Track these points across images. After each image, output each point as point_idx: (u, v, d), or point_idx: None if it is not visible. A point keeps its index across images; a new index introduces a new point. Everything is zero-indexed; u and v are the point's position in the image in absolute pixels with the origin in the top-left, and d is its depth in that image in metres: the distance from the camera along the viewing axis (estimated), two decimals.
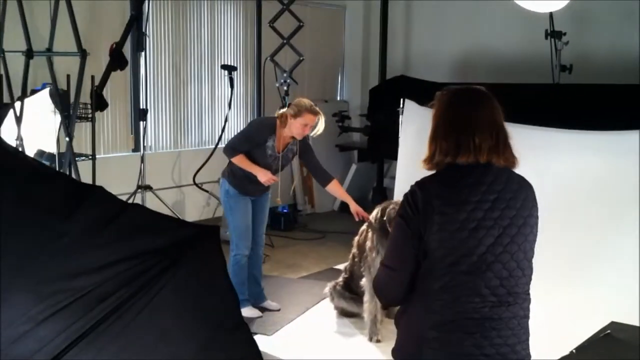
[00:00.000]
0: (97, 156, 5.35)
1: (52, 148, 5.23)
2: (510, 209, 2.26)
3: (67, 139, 4.95)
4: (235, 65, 7.66)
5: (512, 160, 2.33)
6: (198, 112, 7.73)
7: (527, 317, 2.32)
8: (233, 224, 4.91)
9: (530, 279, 2.32)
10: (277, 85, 7.34)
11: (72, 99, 4.98)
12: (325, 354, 4.43)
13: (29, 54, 4.96)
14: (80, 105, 5.16)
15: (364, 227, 4.83)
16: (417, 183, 2.31)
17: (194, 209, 7.53)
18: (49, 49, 5.01)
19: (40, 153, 5.27)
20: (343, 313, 5.02)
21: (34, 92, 5.34)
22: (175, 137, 7.53)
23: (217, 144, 7.03)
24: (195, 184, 7.16)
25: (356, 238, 4.92)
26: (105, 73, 5.24)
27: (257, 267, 5.13)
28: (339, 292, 4.99)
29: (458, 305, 2.22)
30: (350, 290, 4.96)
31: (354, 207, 4.85)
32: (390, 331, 4.35)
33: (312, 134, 4.89)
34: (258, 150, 4.78)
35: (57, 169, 4.88)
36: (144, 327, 2.04)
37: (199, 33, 7.62)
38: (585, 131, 4.80)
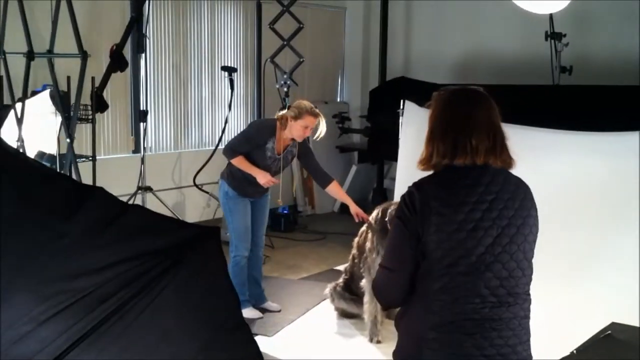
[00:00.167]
0: (97, 157, 5.36)
1: (52, 149, 5.23)
2: (509, 209, 2.26)
3: (68, 140, 4.95)
4: (235, 66, 7.67)
5: (509, 161, 2.33)
6: (198, 113, 7.74)
7: (527, 317, 2.32)
8: (232, 225, 4.91)
9: (530, 279, 2.32)
10: (277, 86, 7.35)
11: (72, 101, 4.99)
12: (325, 354, 4.44)
13: (30, 55, 4.97)
14: (81, 107, 5.16)
15: (364, 228, 4.83)
16: (415, 184, 2.31)
17: (194, 210, 7.54)
18: (50, 51, 5.02)
19: (41, 154, 5.28)
20: (343, 314, 5.03)
21: (34, 93, 5.35)
22: (175, 139, 7.53)
23: (218, 145, 7.04)
24: (195, 185, 7.17)
25: (356, 239, 4.93)
26: (105, 74, 5.24)
27: (258, 268, 5.14)
28: (339, 293, 4.99)
29: (457, 306, 2.22)
30: (350, 292, 4.96)
31: (353, 208, 4.86)
32: (390, 332, 4.35)
33: (314, 137, 4.89)
34: (258, 152, 4.79)
35: (58, 170, 4.88)
36: (145, 327, 2.04)
37: (199, 34, 7.62)
38: (586, 132, 4.81)
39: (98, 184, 4.78)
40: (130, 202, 6.23)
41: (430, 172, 2.36)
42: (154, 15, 7.00)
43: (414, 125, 5.55)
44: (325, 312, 5.15)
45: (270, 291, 5.38)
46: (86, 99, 5.26)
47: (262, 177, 4.73)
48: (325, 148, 8.00)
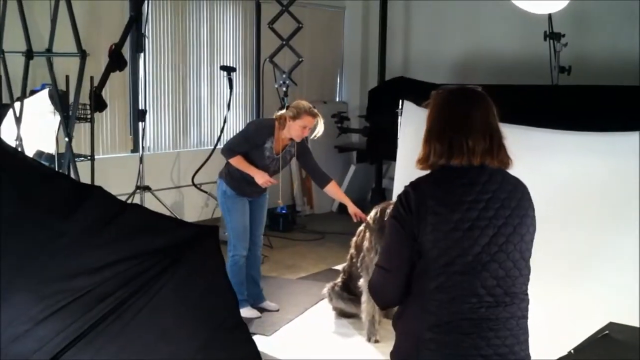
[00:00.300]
0: (96, 157, 5.35)
1: (51, 148, 5.23)
2: (505, 208, 2.25)
3: (67, 139, 4.95)
4: (234, 66, 7.67)
5: (506, 161, 2.32)
6: (197, 113, 7.73)
7: (525, 317, 2.31)
8: (230, 224, 4.91)
9: (527, 279, 2.31)
10: (276, 86, 7.35)
11: (71, 100, 4.98)
12: (323, 354, 4.44)
13: (29, 54, 4.96)
14: (80, 106, 5.15)
15: (362, 227, 4.83)
16: (411, 184, 2.30)
17: (193, 209, 7.53)
18: (49, 50, 5.01)
19: (40, 153, 5.27)
20: (341, 314, 5.03)
21: (33, 92, 5.34)
22: (174, 138, 7.53)
23: (216, 144, 7.03)
24: (194, 184, 7.16)
25: (354, 239, 4.93)
26: (104, 74, 5.23)
27: (256, 268, 5.14)
28: (337, 293, 4.99)
29: (454, 306, 2.21)
30: (348, 291, 4.96)
31: (352, 208, 4.86)
32: (388, 331, 4.33)
33: (312, 137, 4.90)
34: (256, 152, 4.78)
35: (57, 170, 4.88)
36: (143, 326, 2.04)
37: (198, 34, 7.62)
38: (585, 132, 4.81)
39: (97, 183, 4.77)
40: (129, 201, 6.23)
41: (428, 171, 2.36)
42: (153, 15, 7.00)
43: (412, 125, 5.55)
44: (323, 311, 5.15)
45: (269, 291, 5.38)
46: (85, 98, 5.25)
47: (260, 177, 4.73)
48: (324, 148, 8.00)
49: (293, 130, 4.74)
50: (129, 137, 7.03)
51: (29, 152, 5.06)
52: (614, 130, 4.65)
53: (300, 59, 7.33)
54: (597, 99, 5.87)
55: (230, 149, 4.80)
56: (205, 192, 7.36)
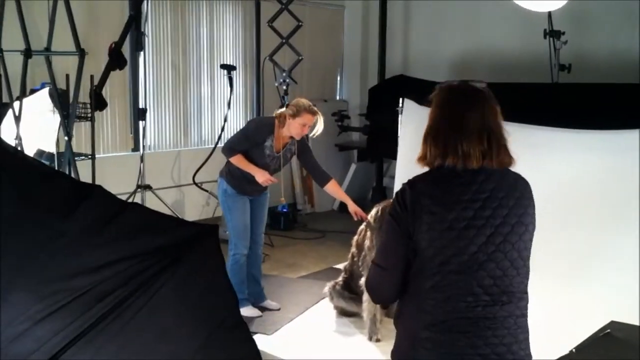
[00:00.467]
0: (96, 156, 5.35)
1: (51, 148, 5.22)
2: (503, 207, 2.23)
3: (67, 138, 4.94)
4: (234, 64, 7.66)
5: (507, 161, 2.29)
6: (197, 111, 7.73)
7: (524, 316, 2.29)
8: (231, 223, 4.91)
9: (526, 278, 2.29)
10: (276, 84, 7.34)
11: (71, 99, 4.98)
12: (324, 353, 4.43)
13: (28, 53, 4.95)
14: (80, 105, 5.15)
15: (363, 226, 4.83)
16: (409, 182, 2.29)
17: (194, 208, 7.53)
18: (48, 49, 5.00)
19: (40, 153, 5.27)
20: (342, 312, 5.02)
21: (32, 91, 5.34)
22: (174, 137, 7.53)
23: (217, 143, 7.03)
24: (194, 183, 7.16)
25: (355, 237, 4.92)
26: (104, 72, 5.23)
27: (257, 267, 5.13)
28: (338, 292, 4.99)
29: (449, 305, 2.20)
30: (349, 290, 4.95)
31: (352, 207, 4.86)
32: (389, 330, 4.34)
33: (311, 135, 4.89)
34: (256, 150, 4.78)
35: (57, 169, 4.88)
36: (143, 325, 2.04)
37: (198, 32, 7.61)
38: (584, 130, 4.80)
39: (97, 182, 4.76)
40: (130, 200, 6.23)
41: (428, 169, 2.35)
42: (152, 13, 7.00)
43: (413, 124, 5.54)
44: (324, 310, 5.15)
45: (270, 290, 5.37)
46: (85, 97, 5.25)
47: (261, 176, 4.72)
48: (325, 146, 7.99)
49: (293, 128, 4.74)
50: (130, 135, 7.03)
51: (29, 151, 5.05)
52: (614, 128, 4.64)
53: (300, 58, 7.32)
54: (597, 97, 5.86)
55: (231, 148, 4.80)
56: (206, 190, 7.36)
